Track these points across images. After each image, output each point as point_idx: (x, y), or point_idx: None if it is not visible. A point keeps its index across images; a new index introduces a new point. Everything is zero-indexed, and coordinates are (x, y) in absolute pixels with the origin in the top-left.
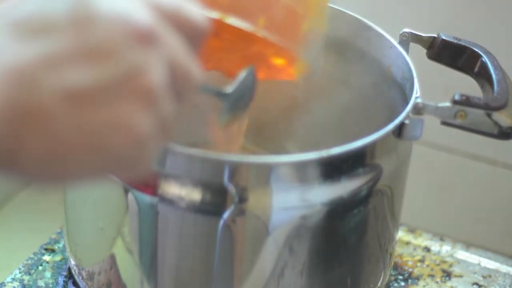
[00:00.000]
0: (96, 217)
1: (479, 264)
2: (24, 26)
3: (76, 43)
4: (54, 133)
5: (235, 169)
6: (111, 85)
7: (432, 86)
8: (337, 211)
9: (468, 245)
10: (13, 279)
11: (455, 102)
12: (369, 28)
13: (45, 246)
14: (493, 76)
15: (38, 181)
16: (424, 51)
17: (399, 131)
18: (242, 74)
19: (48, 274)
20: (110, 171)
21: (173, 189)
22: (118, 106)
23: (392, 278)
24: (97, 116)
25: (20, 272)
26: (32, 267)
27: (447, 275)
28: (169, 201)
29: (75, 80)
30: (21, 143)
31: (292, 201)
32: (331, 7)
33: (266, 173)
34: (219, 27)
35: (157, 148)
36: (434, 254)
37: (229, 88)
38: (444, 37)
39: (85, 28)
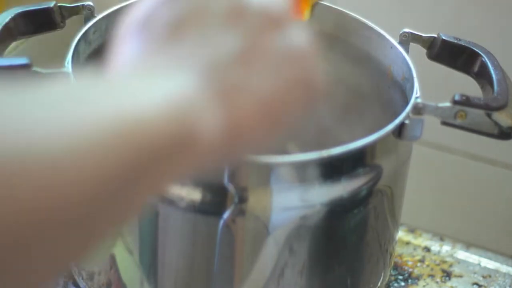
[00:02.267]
0: None
1: (479, 264)
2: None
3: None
4: (256, 143)
5: (235, 169)
6: (289, 87)
7: (432, 86)
8: (337, 211)
9: (468, 245)
10: None
11: (455, 102)
12: (369, 28)
13: None
14: (493, 76)
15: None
16: (424, 51)
17: (399, 131)
18: None
19: None
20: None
21: (173, 189)
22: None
23: (392, 278)
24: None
25: None
26: None
27: (447, 275)
28: (169, 201)
29: (264, 90)
30: (231, 154)
31: (292, 201)
32: (331, 7)
33: (266, 173)
34: None
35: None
36: (434, 254)
37: None
38: (444, 37)
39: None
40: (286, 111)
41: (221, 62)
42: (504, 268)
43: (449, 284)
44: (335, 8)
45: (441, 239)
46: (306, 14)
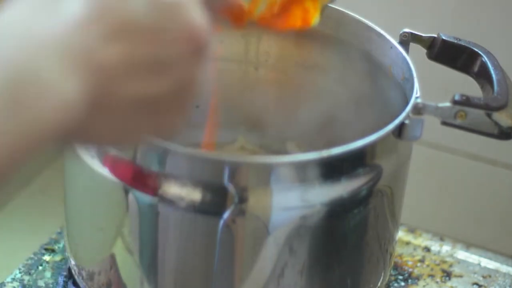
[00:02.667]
0: (96, 217)
1: (479, 264)
2: (111, 26)
3: (150, 52)
4: (118, 129)
5: (235, 169)
6: (169, 96)
7: (432, 86)
8: (337, 211)
9: (468, 245)
10: (13, 279)
11: (455, 102)
12: (369, 28)
13: (45, 246)
14: (493, 76)
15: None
16: (424, 51)
17: (399, 131)
18: None
19: (48, 274)
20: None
21: (173, 189)
22: (169, 115)
23: (392, 278)
24: (152, 121)
25: (20, 272)
26: (32, 267)
27: (447, 275)
28: (169, 201)
29: (144, 89)
30: (91, 129)
31: (292, 201)
32: (331, 7)
33: (266, 173)
34: None
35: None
36: (434, 254)
37: None
38: (444, 37)
39: (159, 34)
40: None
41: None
42: (504, 268)
43: (449, 284)
44: (335, 8)
45: (441, 239)
46: (316, 18)
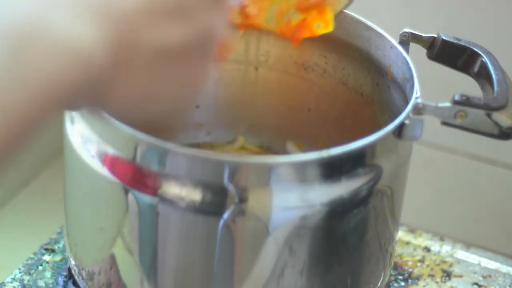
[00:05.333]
0: (96, 217)
1: (479, 264)
2: None
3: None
4: (143, 86)
5: (235, 169)
6: (192, 45)
7: (432, 86)
8: (337, 211)
9: (468, 245)
10: (13, 279)
11: (455, 102)
12: (369, 28)
13: (45, 246)
14: (493, 76)
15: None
16: (424, 51)
17: (399, 131)
18: None
19: (48, 274)
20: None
21: (173, 189)
22: (194, 67)
23: (392, 278)
24: (177, 75)
25: (20, 272)
26: (32, 267)
27: (447, 275)
28: (169, 201)
29: (168, 38)
30: (112, 88)
31: (292, 201)
32: None
33: (266, 173)
34: None
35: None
36: (434, 254)
37: None
38: (444, 37)
39: None
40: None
41: None
42: (504, 268)
43: (449, 284)
44: None
45: (441, 239)
46: (331, 24)
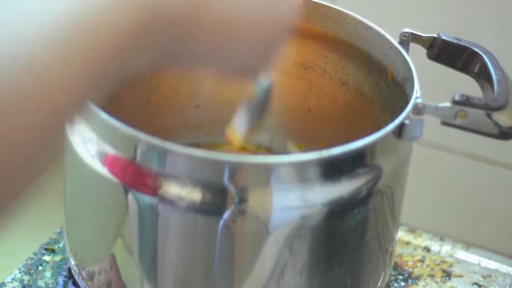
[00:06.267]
0: (96, 217)
1: (479, 264)
2: None
3: None
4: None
5: (235, 169)
6: None
7: (432, 86)
8: (337, 211)
9: (468, 245)
10: (13, 279)
11: (455, 102)
12: (369, 28)
13: (45, 246)
14: (493, 76)
15: None
16: (424, 51)
17: (399, 131)
18: (263, 82)
19: (48, 274)
20: None
21: (173, 189)
22: None
23: (392, 278)
24: None
25: (20, 272)
26: (32, 267)
27: (447, 275)
28: (169, 201)
29: None
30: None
31: (292, 201)
32: (331, 7)
33: (266, 173)
34: None
35: None
36: (434, 254)
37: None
38: (444, 37)
39: None
40: None
41: None
42: (504, 268)
43: (449, 284)
44: (335, 8)
45: (441, 239)
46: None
